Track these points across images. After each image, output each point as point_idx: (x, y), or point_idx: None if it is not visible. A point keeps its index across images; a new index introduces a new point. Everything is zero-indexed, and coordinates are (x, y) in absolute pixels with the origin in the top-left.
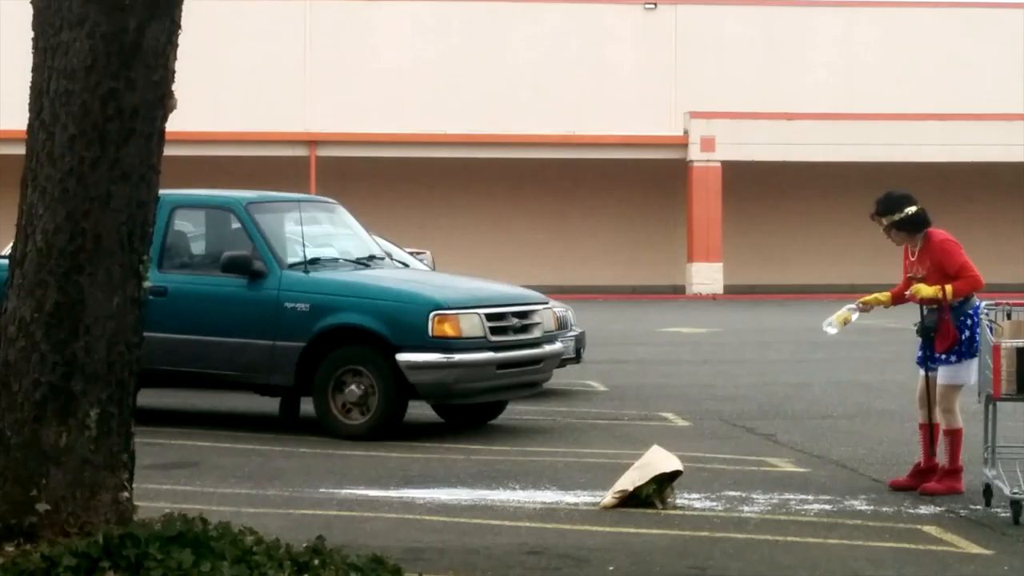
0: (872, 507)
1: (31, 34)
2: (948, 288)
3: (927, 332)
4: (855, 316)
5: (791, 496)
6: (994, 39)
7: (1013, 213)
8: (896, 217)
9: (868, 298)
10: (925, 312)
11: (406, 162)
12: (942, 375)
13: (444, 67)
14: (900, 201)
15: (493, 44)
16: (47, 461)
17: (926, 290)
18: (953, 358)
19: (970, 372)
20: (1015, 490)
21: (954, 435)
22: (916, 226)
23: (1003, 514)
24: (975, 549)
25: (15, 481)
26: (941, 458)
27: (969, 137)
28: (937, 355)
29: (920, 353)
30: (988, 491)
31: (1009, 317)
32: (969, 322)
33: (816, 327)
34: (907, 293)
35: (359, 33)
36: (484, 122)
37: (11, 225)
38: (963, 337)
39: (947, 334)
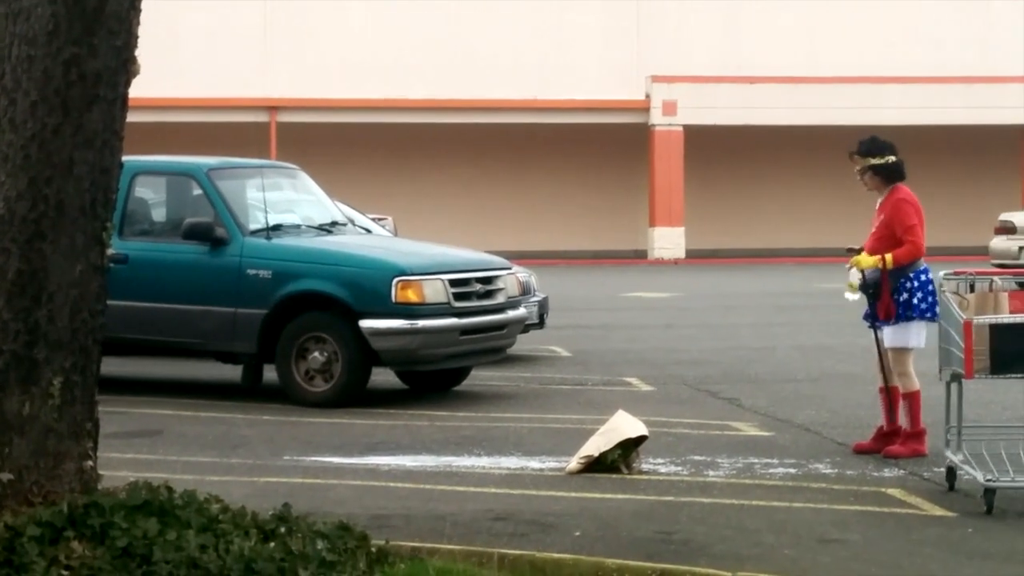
0: (836, 471)
1: None
2: (888, 257)
3: (867, 290)
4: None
5: (756, 460)
6: (951, 3)
7: (974, 176)
8: (874, 161)
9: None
10: (866, 272)
11: (367, 127)
12: (888, 338)
13: (405, 32)
14: (883, 147)
15: (455, 8)
16: (10, 430)
17: (866, 260)
18: (892, 320)
19: (914, 335)
20: (988, 477)
21: (912, 397)
22: (891, 176)
23: (966, 477)
24: (938, 511)
25: None
26: (902, 421)
27: (930, 100)
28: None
29: (867, 310)
30: (951, 474)
31: (972, 289)
32: (909, 284)
33: (778, 291)
34: (847, 265)
35: None
36: (446, 87)
37: None
38: (900, 299)
39: (884, 300)
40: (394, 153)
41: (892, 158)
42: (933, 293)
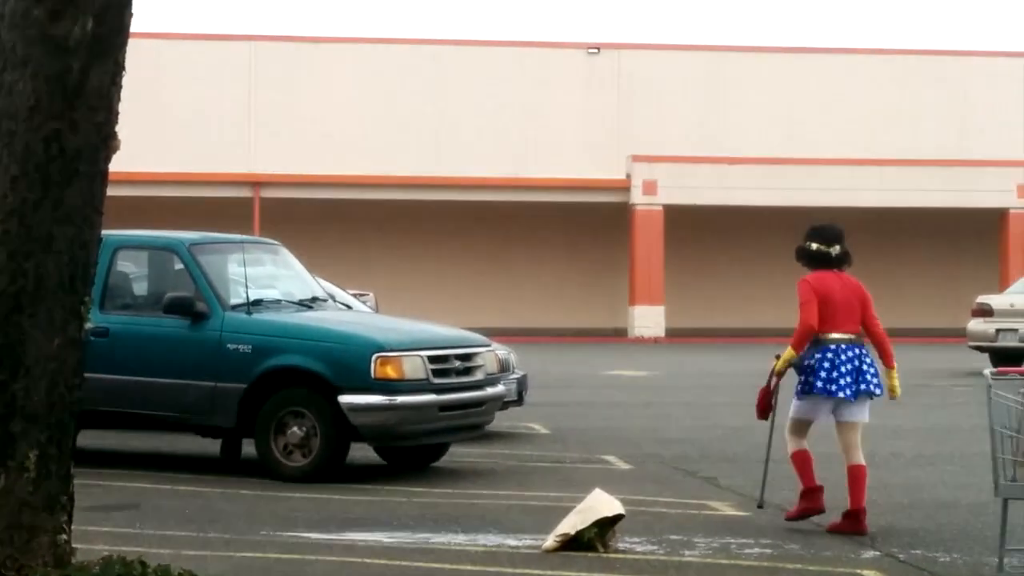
0: (812, 551)
1: None
2: (788, 352)
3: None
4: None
5: (732, 540)
6: (930, 86)
7: (951, 258)
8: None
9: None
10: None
11: (350, 204)
12: (857, 413)
13: (388, 109)
14: (808, 233)
15: (437, 86)
16: None
17: (780, 363)
18: (856, 395)
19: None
20: None
21: (863, 472)
22: (800, 260)
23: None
24: None
25: None
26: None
27: (908, 182)
28: (849, 395)
29: (837, 383)
30: None
31: None
32: (869, 360)
33: (756, 371)
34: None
35: (303, 75)
36: (428, 164)
37: None
38: (866, 376)
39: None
40: (376, 229)
41: (809, 244)
42: (876, 370)
